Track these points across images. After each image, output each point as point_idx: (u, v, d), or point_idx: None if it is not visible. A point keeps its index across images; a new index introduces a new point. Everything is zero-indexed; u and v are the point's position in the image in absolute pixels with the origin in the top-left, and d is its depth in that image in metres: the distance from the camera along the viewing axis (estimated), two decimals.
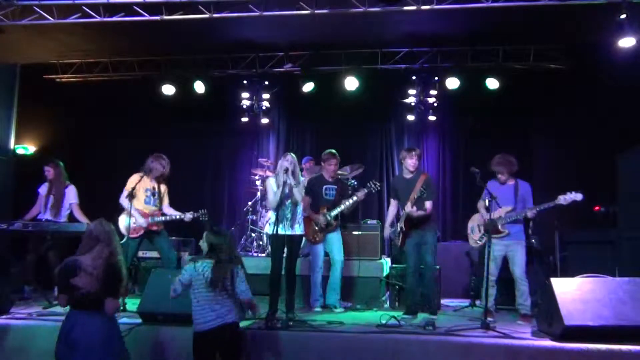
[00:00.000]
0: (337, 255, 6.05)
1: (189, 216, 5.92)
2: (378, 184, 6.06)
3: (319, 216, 5.97)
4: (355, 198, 6.00)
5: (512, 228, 5.41)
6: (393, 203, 5.98)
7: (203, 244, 4.16)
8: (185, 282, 3.99)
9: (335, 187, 6.13)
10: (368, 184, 6.04)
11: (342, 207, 5.98)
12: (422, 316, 5.51)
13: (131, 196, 5.72)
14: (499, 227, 5.41)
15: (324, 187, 6.10)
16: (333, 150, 6.16)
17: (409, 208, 5.50)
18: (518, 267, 5.38)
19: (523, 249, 5.43)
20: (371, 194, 6.23)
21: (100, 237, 3.82)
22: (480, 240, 5.70)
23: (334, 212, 5.96)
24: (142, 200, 5.92)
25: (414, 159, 5.67)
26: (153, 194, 6.01)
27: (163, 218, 5.97)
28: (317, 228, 5.99)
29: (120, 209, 5.91)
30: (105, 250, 3.77)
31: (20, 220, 6.20)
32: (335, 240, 6.09)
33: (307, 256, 7.02)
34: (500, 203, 5.37)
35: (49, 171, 6.55)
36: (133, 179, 5.88)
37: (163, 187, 6.12)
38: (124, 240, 5.64)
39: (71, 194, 6.56)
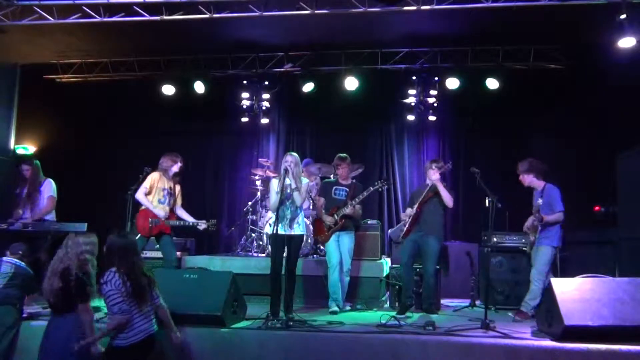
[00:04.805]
0: (345, 259, 5.97)
1: (203, 225, 5.94)
2: (385, 181, 6.12)
3: (328, 217, 5.98)
4: (360, 197, 5.96)
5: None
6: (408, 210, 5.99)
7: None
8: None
9: (346, 189, 6.09)
10: (376, 182, 6.03)
11: (349, 206, 5.91)
12: (417, 315, 5.49)
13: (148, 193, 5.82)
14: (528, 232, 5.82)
15: (334, 187, 6.13)
16: (342, 154, 6.15)
17: (435, 175, 5.64)
18: (534, 268, 5.52)
19: (543, 251, 5.49)
20: (377, 192, 6.26)
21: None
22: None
23: (340, 212, 5.93)
24: (156, 200, 5.93)
25: (430, 171, 5.82)
26: (169, 194, 6.02)
27: (179, 223, 6.00)
28: (325, 228, 5.99)
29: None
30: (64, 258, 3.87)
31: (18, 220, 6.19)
32: (346, 243, 6.01)
33: (307, 256, 7.02)
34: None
35: (28, 170, 6.43)
36: (155, 177, 5.93)
37: (178, 188, 6.14)
38: (137, 238, 5.66)
39: (49, 188, 6.43)
